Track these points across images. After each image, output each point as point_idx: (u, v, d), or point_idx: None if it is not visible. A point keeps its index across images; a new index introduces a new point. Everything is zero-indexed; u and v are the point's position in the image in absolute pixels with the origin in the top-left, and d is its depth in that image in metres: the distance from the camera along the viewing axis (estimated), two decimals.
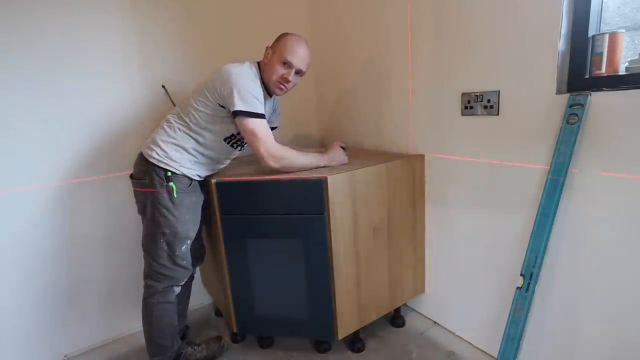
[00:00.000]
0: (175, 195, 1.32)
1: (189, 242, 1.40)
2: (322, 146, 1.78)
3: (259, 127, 1.28)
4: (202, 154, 1.38)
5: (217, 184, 1.40)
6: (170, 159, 1.32)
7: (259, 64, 1.42)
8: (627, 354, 1.07)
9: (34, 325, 1.56)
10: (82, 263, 1.64)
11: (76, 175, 1.58)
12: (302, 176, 1.34)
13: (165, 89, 1.73)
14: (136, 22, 1.62)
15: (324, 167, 1.43)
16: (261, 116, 1.29)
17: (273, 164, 1.31)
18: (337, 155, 1.47)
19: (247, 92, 1.27)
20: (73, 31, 1.48)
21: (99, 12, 1.53)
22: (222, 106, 1.31)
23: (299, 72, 1.39)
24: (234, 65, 1.32)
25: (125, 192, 1.67)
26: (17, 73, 1.40)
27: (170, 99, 1.73)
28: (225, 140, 1.39)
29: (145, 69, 1.67)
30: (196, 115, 1.33)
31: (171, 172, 1.32)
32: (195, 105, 1.33)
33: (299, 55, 1.36)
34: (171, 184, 1.31)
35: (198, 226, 1.43)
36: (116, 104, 1.62)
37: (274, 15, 1.99)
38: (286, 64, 1.35)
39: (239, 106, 1.25)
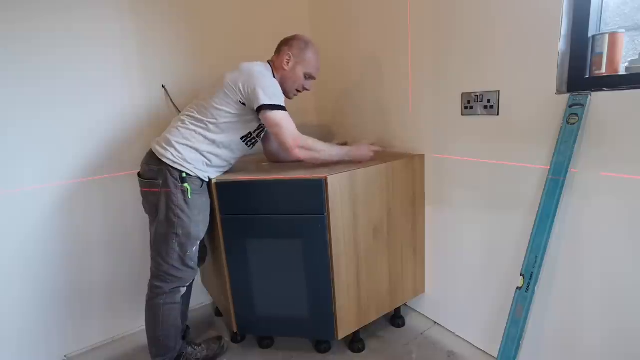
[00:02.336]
0: (189, 196, 1.32)
1: (199, 243, 1.40)
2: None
3: (285, 119, 1.32)
4: (216, 155, 1.38)
5: (217, 184, 1.40)
6: (185, 160, 1.32)
7: (269, 63, 1.44)
8: (627, 353, 1.07)
9: (34, 325, 1.56)
10: (82, 263, 1.64)
11: (77, 175, 1.58)
12: (302, 176, 1.34)
13: (165, 89, 1.73)
14: (136, 21, 1.62)
15: (349, 161, 1.45)
16: (284, 109, 1.33)
17: (300, 154, 1.33)
18: (361, 149, 1.47)
19: (271, 88, 1.31)
20: (73, 27, 1.48)
21: (98, 10, 1.53)
22: (243, 104, 1.33)
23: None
24: (252, 64, 1.36)
25: (125, 192, 1.67)
26: (15, 70, 1.40)
27: (171, 99, 1.73)
28: (242, 138, 1.41)
29: (145, 69, 1.67)
30: (215, 114, 1.34)
31: (186, 173, 1.32)
32: (215, 105, 1.33)
33: (319, 67, 1.49)
34: (186, 184, 1.31)
35: (207, 227, 1.43)
36: (116, 103, 1.62)
37: (274, 13, 1.99)
38: (311, 77, 1.48)
39: (264, 100, 1.28)
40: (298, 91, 1.50)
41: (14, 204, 1.46)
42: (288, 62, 1.42)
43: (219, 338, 1.61)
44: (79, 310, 1.66)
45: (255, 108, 1.31)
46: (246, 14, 1.91)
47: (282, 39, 1.49)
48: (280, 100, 1.33)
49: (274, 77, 1.42)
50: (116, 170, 1.66)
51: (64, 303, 1.62)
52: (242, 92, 1.31)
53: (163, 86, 1.72)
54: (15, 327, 1.52)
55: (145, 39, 1.65)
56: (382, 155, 1.62)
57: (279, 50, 1.46)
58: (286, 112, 1.33)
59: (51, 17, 1.43)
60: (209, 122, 1.34)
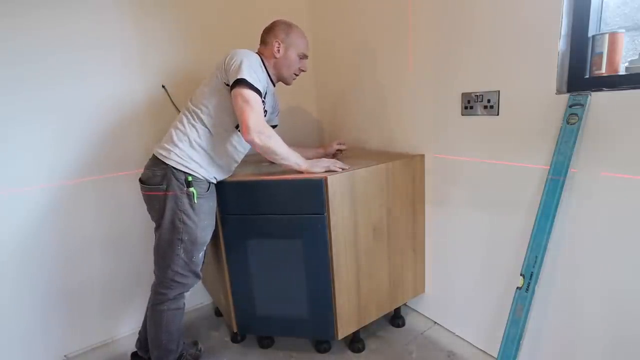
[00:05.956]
0: (195, 201, 1.28)
1: (205, 248, 1.38)
2: (322, 146, 1.78)
3: (255, 99, 1.24)
4: (217, 152, 1.34)
5: (217, 184, 1.40)
6: (191, 158, 1.28)
7: (259, 55, 1.41)
8: (627, 353, 1.07)
9: (34, 325, 1.56)
10: (81, 263, 1.64)
11: (75, 176, 1.57)
12: (302, 176, 1.34)
13: (165, 89, 1.73)
14: (136, 20, 1.62)
15: (300, 172, 1.35)
16: (260, 94, 1.26)
17: (257, 139, 1.23)
18: (322, 162, 1.39)
19: (252, 70, 1.26)
20: (72, 24, 1.48)
21: (98, 9, 1.53)
22: (227, 84, 1.28)
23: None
24: (243, 49, 1.32)
25: (123, 192, 1.67)
26: (13, 70, 1.39)
27: (171, 99, 1.73)
28: (237, 127, 1.35)
29: (145, 69, 1.67)
30: (207, 104, 1.31)
31: (192, 176, 1.28)
32: (205, 91, 1.32)
33: (308, 45, 1.50)
34: (191, 189, 1.27)
35: (213, 231, 1.40)
36: (116, 104, 1.62)
37: (274, 12, 1.98)
38: (303, 57, 1.47)
39: (245, 75, 1.22)
40: (296, 74, 1.49)
41: (13, 204, 1.46)
42: (279, 49, 1.40)
43: (196, 343, 1.61)
44: (79, 310, 1.66)
45: (232, 82, 1.23)
46: (247, 12, 1.91)
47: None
48: (260, 86, 1.26)
49: (264, 66, 1.39)
50: (115, 171, 1.66)
51: (64, 303, 1.62)
52: (227, 72, 1.27)
53: (163, 86, 1.72)
54: (15, 327, 1.52)
55: (146, 39, 1.65)
56: (383, 155, 1.62)
57: (264, 41, 1.45)
58: (259, 98, 1.26)
59: (51, 15, 1.43)
60: (203, 113, 1.30)
